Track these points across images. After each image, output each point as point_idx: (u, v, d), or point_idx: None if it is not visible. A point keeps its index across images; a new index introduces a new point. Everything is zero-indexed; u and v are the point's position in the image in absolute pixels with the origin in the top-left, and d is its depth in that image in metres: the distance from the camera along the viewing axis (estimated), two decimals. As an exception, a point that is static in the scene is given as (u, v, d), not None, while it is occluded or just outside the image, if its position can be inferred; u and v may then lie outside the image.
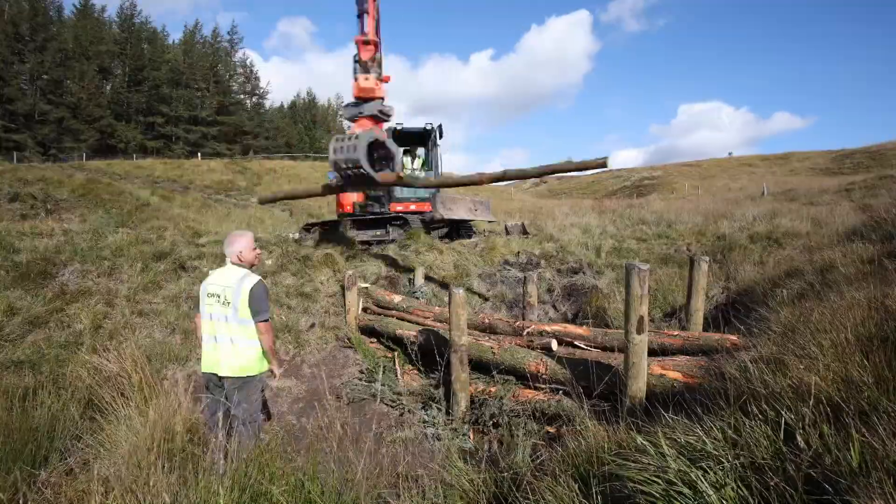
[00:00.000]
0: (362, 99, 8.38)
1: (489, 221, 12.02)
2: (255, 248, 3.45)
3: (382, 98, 8.54)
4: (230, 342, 3.22)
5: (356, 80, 8.38)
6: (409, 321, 5.90)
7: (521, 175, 6.44)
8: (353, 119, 8.56)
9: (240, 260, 3.34)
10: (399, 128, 10.59)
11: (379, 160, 7.07)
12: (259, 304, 3.22)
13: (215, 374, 3.26)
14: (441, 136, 10.85)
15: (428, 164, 11.08)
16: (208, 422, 3.31)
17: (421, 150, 11.47)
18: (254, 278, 3.26)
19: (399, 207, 10.15)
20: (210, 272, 3.47)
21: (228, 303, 3.21)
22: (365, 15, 8.38)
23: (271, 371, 3.47)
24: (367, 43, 8.38)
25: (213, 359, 3.27)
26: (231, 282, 3.23)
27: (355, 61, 8.49)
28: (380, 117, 8.40)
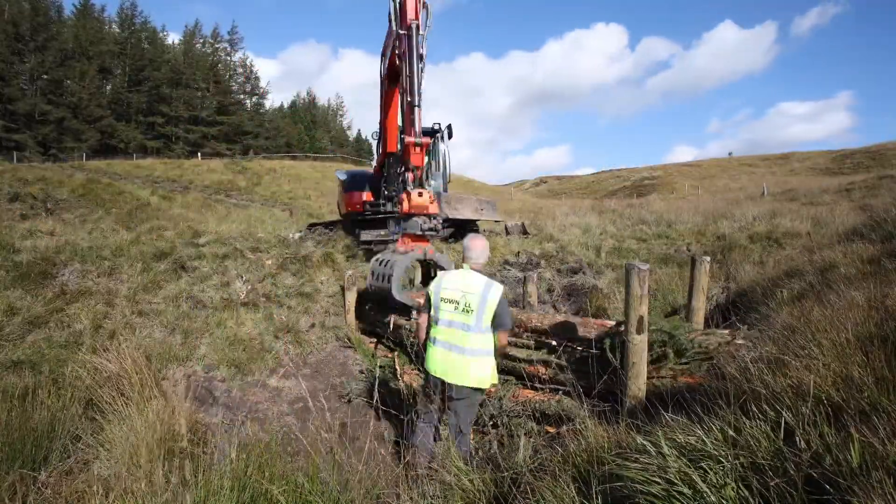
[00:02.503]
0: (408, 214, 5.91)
1: (496, 221, 11.95)
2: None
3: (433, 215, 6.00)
4: (468, 352, 3.06)
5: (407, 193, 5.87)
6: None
7: None
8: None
9: (480, 266, 3.18)
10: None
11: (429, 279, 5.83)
12: (505, 315, 3.10)
13: (443, 381, 3.13)
14: (450, 137, 10.20)
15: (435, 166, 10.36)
16: (420, 430, 3.27)
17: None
18: (499, 287, 3.11)
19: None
20: (443, 274, 3.37)
21: (471, 311, 3.04)
22: (413, 96, 5.87)
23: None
24: (419, 146, 5.99)
25: (445, 366, 3.13)
26: (474, 289, 3.07)
27: (408, 169, 6.14)
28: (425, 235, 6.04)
